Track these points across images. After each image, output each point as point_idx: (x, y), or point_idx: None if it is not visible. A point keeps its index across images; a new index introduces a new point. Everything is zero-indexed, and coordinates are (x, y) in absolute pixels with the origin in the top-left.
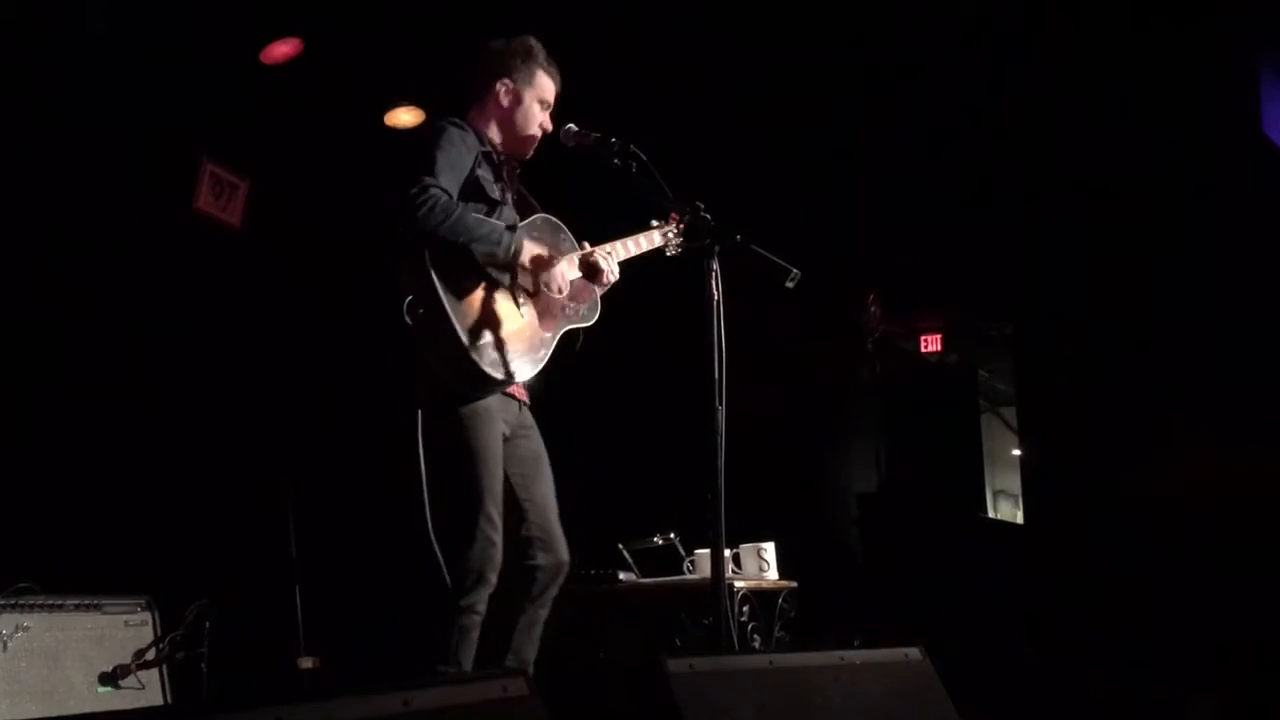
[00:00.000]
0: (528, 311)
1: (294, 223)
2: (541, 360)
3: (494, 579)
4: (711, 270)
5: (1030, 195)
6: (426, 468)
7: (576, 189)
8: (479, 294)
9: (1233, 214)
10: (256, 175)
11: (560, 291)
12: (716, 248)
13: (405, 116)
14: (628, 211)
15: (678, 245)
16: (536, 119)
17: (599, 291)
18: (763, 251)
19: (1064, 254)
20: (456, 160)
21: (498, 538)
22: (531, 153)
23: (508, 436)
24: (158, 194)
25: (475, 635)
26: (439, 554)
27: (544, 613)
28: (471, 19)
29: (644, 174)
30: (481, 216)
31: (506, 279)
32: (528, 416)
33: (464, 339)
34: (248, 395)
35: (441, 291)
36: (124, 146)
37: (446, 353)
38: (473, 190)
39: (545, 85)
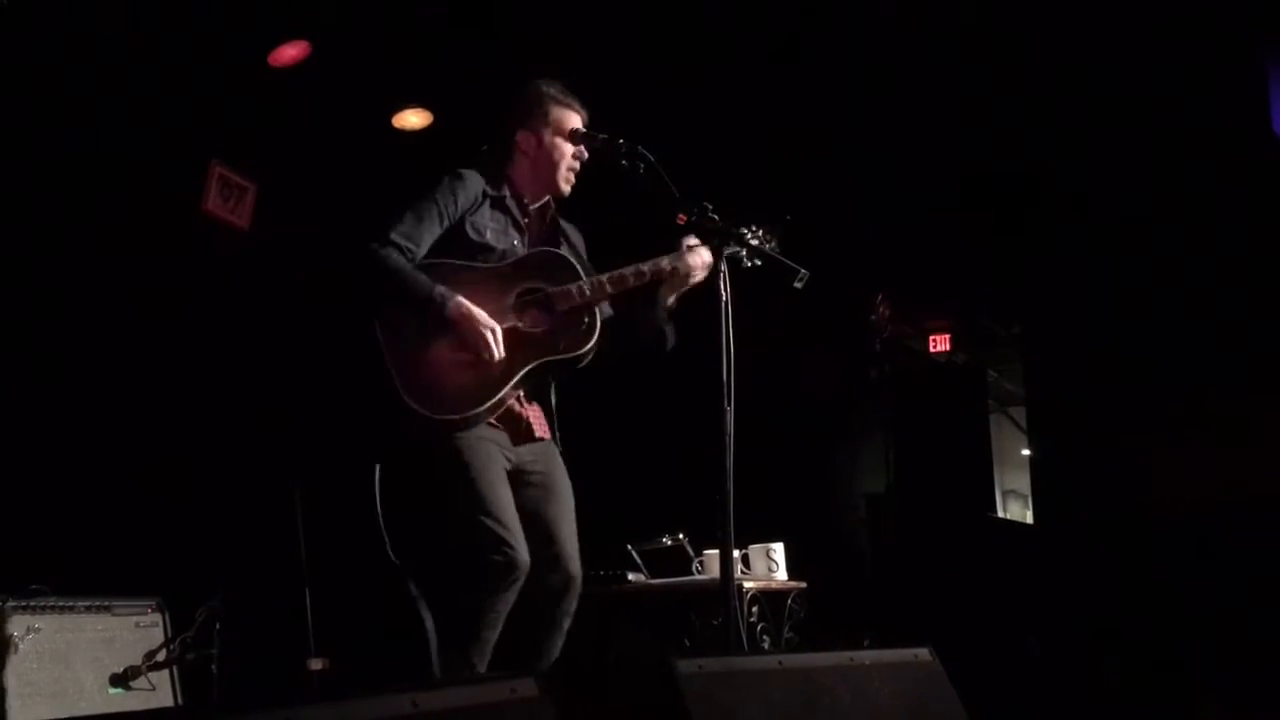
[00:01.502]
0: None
1: (302, 225)
2: (499, 393)
3: (514, 579)
4: (720, 271)
5: (1037, 196)
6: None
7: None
8: (424, 335)
9: (1242, 215)
10: (265, 177)
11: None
12: (725, 249)
13: (413, 119)
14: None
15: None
16: (565, 152)
17: (600, 315)
18: (771, 252)
19: (1072, 254)
20: (426, 213)
21: (510, 537)
22: (569, 189)
23: (511, 464)
24: (166, 196)
25: (494, 637)
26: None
27: (553, 630)
28: (478, 22)
29: (652, 175)
30: (421, 277)
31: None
32: (536, 449)
33: (399, 383)
34: (257, 397)
35: (382, 337)
36: (132, 148)
37: (394, 398)
38: (457, 237)
39: (563, 117)
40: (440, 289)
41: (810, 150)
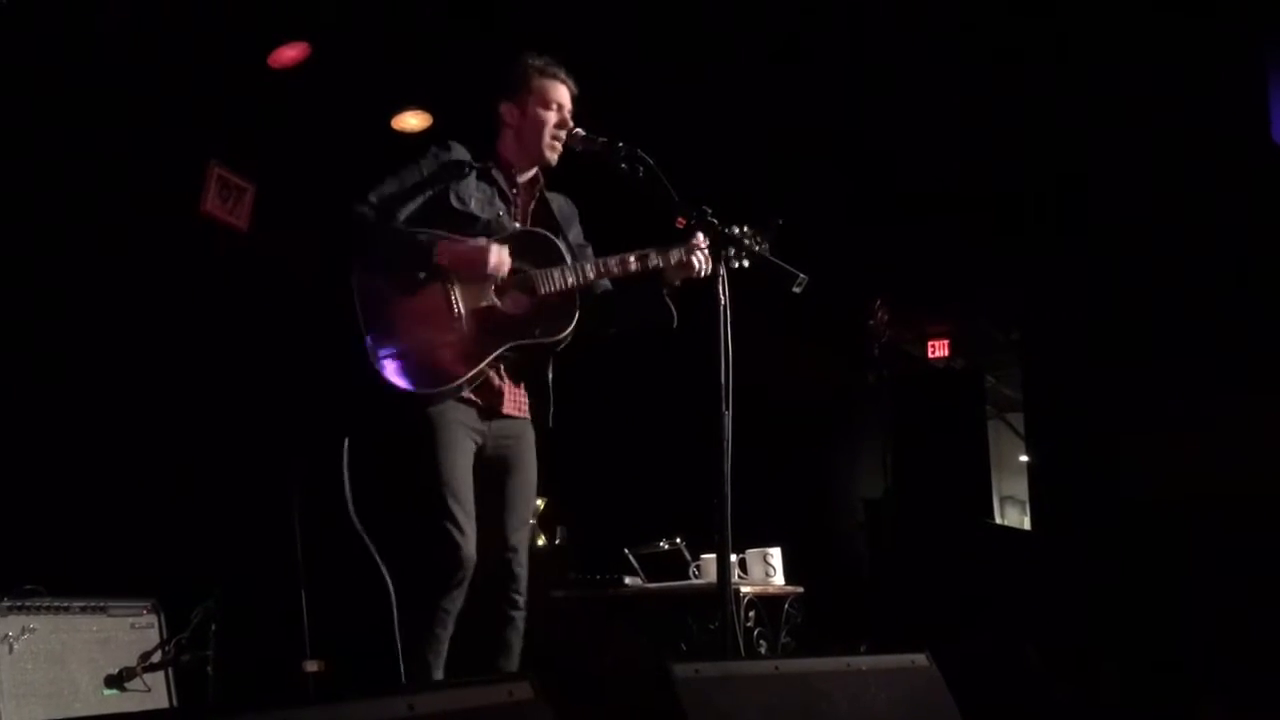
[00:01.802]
0: (464, 323)
1: (301, 226)
2: (471, 370)
3: (463, 577)
4: (719, 275)
5: (1036, 201)
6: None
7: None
8: (400, 304)
9: (1242, 217)
10: (264, 179)
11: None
12: (724, 253)
13: (412, 120)
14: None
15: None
16: (546, 122)
17: (596, 290)
18: (770, 257)
19: (1070, 259)
20: (407, 178)
21: (460, 537)
22: (555, 157)
23: (479, 444)
24: (165, 196)
25: (447, 635)
26: (371, 548)
27: (506, 628)
28: (477, 22)
29: (651, 178)
30: (402, 229)
31: (441, 289)
32: (509, 426)
33: (371, 350)
34: (254, 398)
35: (359, 304)
36: (132, 148)
37: (369, 365)
38: (440, 206)
39: (546, 88)
40: (424, 232)
41: (810, 150)
